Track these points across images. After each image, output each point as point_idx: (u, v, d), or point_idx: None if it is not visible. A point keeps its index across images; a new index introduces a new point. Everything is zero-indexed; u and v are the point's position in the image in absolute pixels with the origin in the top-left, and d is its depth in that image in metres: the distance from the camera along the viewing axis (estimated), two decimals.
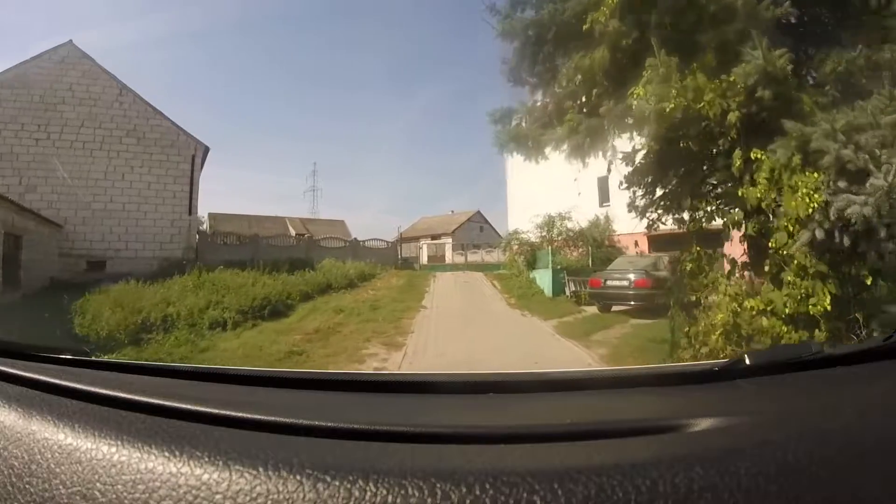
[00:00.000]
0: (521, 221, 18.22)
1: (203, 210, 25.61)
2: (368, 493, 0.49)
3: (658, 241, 17.28)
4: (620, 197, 17.54)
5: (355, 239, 22.03)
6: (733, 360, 0.99)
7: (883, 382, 0.92)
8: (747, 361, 0.96)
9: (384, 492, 0.49)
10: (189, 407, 0.77)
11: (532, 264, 16.88)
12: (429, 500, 0.48)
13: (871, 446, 0.55)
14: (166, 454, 0.59)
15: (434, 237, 36.75)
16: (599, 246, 16.91)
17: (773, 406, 0.82)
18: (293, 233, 24.22)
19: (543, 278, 15.26)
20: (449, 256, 32.55)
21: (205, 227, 25.20)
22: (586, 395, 1.01)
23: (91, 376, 1.05)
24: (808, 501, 0.48)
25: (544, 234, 17.68)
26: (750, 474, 0.49)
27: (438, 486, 0.49)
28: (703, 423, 0.65)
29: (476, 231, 39.14)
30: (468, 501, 0.48)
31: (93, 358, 1.27)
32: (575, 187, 18.14)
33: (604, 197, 18.75)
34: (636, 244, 17.87)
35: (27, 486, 0.60)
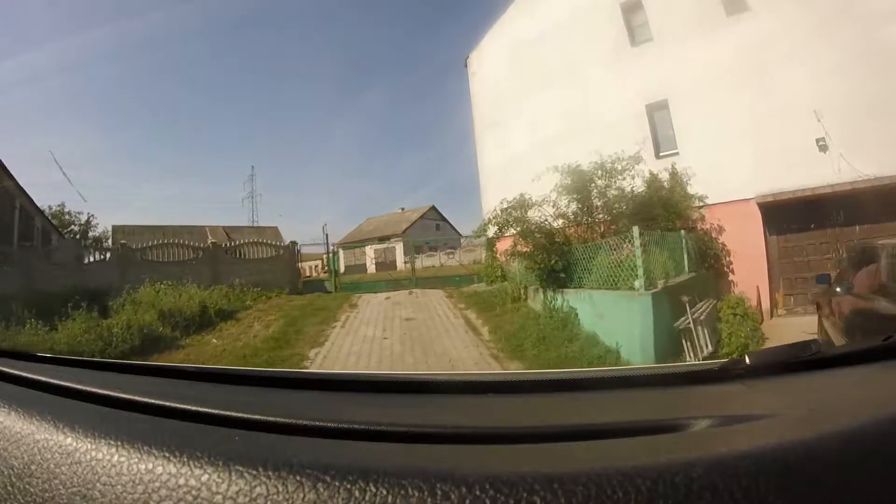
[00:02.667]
0: (502, 197, 9.44)
1: (107, 223, 23.22)
2: (368, 494, 0.49)
3: (781, 212, 8.83)
4: (707, 135, 9.69)
5: (212, 244, 12.84)
6: (733, 360, 0.98)
7: (883, 382, 0.91)
8: (747, 361, 0.95)
9: (384, 492, 0.49)
10: (189, 407, 0.77)
11: (556, 275, 7.70)
12: (429, 500, 0.48)
13: (871, 446, 0.55)
14: (166, 454, 0.58)
15: (382, 239, 30.22)
16: (672, 228, 8.40)
17: (773, 406, 0.81)
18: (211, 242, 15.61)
19: (623, 314, 6.07)
20: (401, 261, 26.39)
21: (108, 242, 20.34)
22: (586, 395, 1.00)
23: (91, 376, 1.09)
24: (809, 502, 0.48)
25: (581, 207, 8.29)
26: (750, 474, 0.48)
27: (438, 486, 0.49)
28: (703, 423, 0.66)
29: (432, 230, 33.92)
30: (468, 501, 0.47)
31: (93, 358, 1.34)
32: (596, 132, 9.90)
33: (663, 140, 10.49)
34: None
35: (27, 486, 0.60)
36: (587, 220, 8.30)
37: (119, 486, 0.56)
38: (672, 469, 0.48)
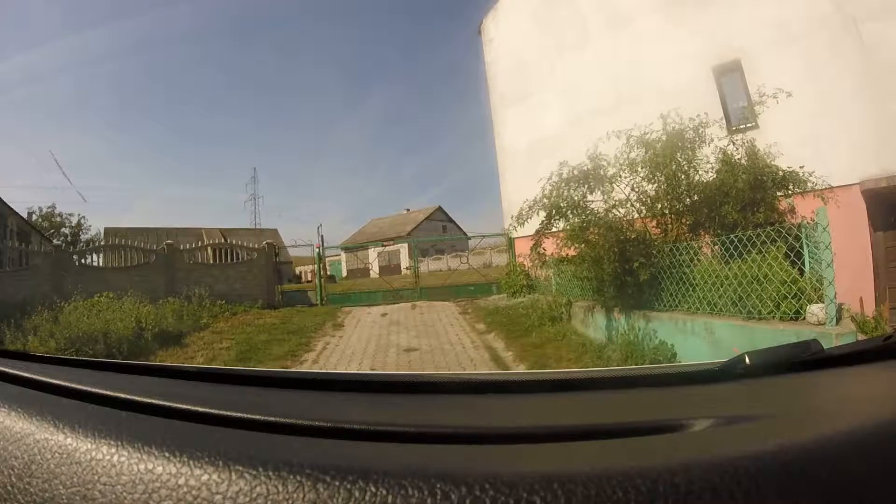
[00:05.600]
0: (525, 187, 7.17)
1: (109, 225, 21.61)
2: (368, 493, 0.49)
3: (892, 202, 7.12)
4: (793, 104, 7.64)
5: (167, 245, 10.58)
6: (733, 359, 0.96)
7: (883, 382, 0.90)
8: (747, 361, 0.93)
9: (384, 492, 0.48)
10: (189, 407, 0.76)
11: (636, 288, 5.26)
12: (429, 500, 0.48)
13: (871, 446, 0.54)
14: (166, 454, 0.58)
15: (386, 242, 28.77)
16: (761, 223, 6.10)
17: (773, 406, 0.80)
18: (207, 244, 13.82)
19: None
20: (405, 265, 25.52)
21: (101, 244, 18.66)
22: (586, 395, 0.99)
23: (91, 376, 1.08)
24: (809, 502, 0.47)
25: (666, 191, 5.62)
26: (750, 474, 0.48)
27: (438, 486, 0.48)
28: (703, 423, 0.65)
29: (438, 231, 33.49)
30: (468, 501, 0.47)
31: (93, 358, 1.26)
32: (646, 103, 7.70)
33: (734, 112, 8.38)
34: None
35: (27, 487, 0.60)
36: (672, 207, 5.70)
37: (119, 486, 0.55)
38: (672, 469, 0.48)
